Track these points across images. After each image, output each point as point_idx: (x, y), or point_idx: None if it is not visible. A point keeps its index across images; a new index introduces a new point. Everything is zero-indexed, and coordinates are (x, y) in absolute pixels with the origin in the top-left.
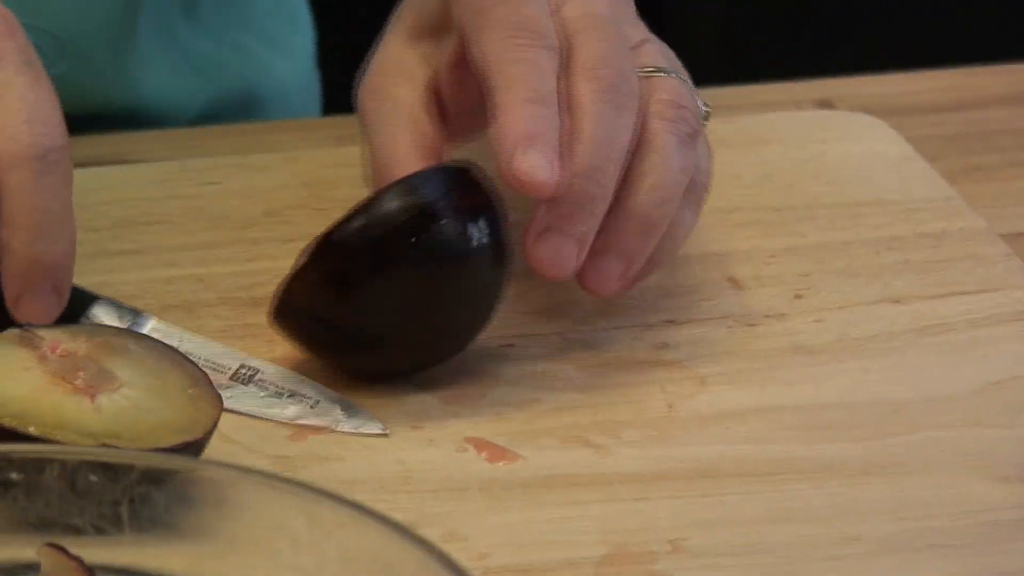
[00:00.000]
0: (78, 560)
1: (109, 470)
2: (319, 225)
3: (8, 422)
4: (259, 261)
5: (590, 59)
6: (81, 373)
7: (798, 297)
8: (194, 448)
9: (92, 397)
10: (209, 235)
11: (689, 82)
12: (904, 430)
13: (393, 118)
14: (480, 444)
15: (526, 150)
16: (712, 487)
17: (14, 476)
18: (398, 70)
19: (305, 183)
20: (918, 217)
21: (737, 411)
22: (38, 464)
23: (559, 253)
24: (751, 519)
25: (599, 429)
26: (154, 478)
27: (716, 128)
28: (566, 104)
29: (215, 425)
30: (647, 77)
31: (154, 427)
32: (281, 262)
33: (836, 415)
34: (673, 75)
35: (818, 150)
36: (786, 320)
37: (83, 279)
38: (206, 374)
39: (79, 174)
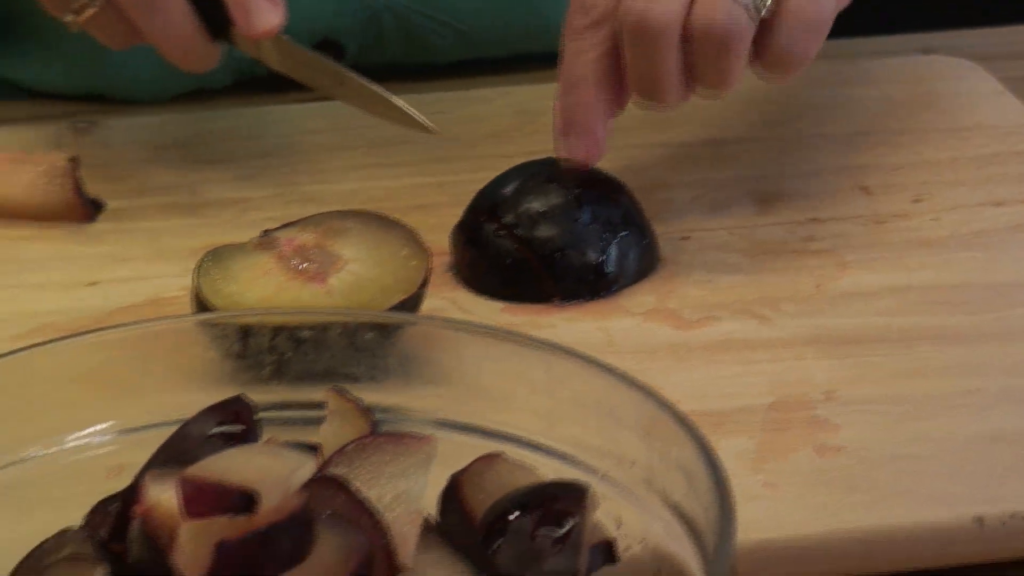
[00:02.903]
0: (356, 401)
1: (383, 329)
2: (532, 144)
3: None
4: (485, 172)
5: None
6: (314, 262)
7: (918, 201)
8: (411, 302)
9: (323, 281)
10: (443, 151)
11: None
12: (1009, 305)
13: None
14: (667, 315)
15: (567, 136)
16: (856, 350)
17: (305, 334)
18: None
19: (517, 112)
20: (1013, 139)
21: (873, 290)
22: (324, 325)
23: (572, 149)
24: (889, 375)
25: (762, 303)
26: (418, 335)
27: (842, 69)
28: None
29: (427, 277)
30: None
31: (375, 293)
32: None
33: (953, 294)
34: None
35: (928, 87)
36: (909, 219)
37: (344, 185)
38: (415, 232)
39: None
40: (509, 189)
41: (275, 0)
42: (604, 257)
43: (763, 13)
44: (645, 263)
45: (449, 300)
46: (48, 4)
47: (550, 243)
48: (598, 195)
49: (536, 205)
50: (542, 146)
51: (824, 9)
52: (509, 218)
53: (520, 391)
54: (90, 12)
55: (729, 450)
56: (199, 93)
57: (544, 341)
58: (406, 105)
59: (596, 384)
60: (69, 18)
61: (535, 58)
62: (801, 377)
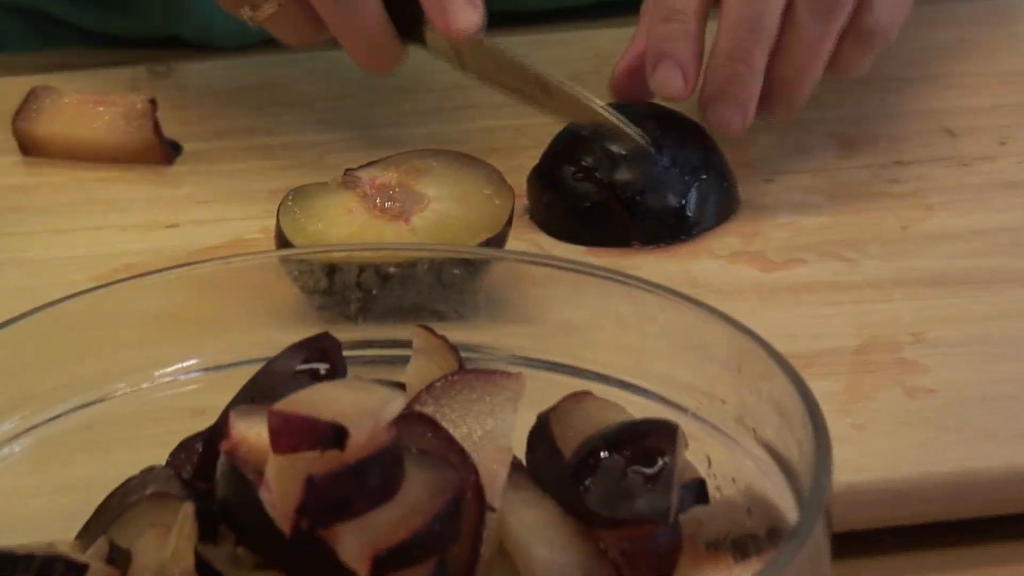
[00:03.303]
0: (443, 338)
1: (470, 265)
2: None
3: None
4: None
5: None
6: (396, 201)
7: (1003, 144)
8: (497, 240)
9: (407, 220)
10: None
11: None
12: None
13: None
14: (752, 257)
15: (657, 65)
16: (944, 292)
17: (392, 270)
18: None
19: (597, 55)
20: None
21: (959, 232)
22: (411, 260)
23: (724, 117)
24: (977, 317)
25: (847, 245)
26: (504, 271)
27: (923, 11)
28: None
29: (511, 216)
30: None
31: (460, 231)
32: None
33: None
34: None
35: (1010, 29)
36: (994, 161)
37: (421, 128)
38: (498, 170)
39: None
40: (588, 131)
41: None
42: (684, 201)
43: None
44: (725, 207)
45: (530, 242)
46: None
47: (630, 186)
48: (678, 138)
49: (616, 148)
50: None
51: None
52: (588, 161)
53: (608, 327)
54: (270, 9)
55: (816, 392)
56: (275, 41)
57: (632, 277)
58: (615, 114)
59: (685, 319)
60: (246, 14)
61: (618, 5)
62: (888, 319)
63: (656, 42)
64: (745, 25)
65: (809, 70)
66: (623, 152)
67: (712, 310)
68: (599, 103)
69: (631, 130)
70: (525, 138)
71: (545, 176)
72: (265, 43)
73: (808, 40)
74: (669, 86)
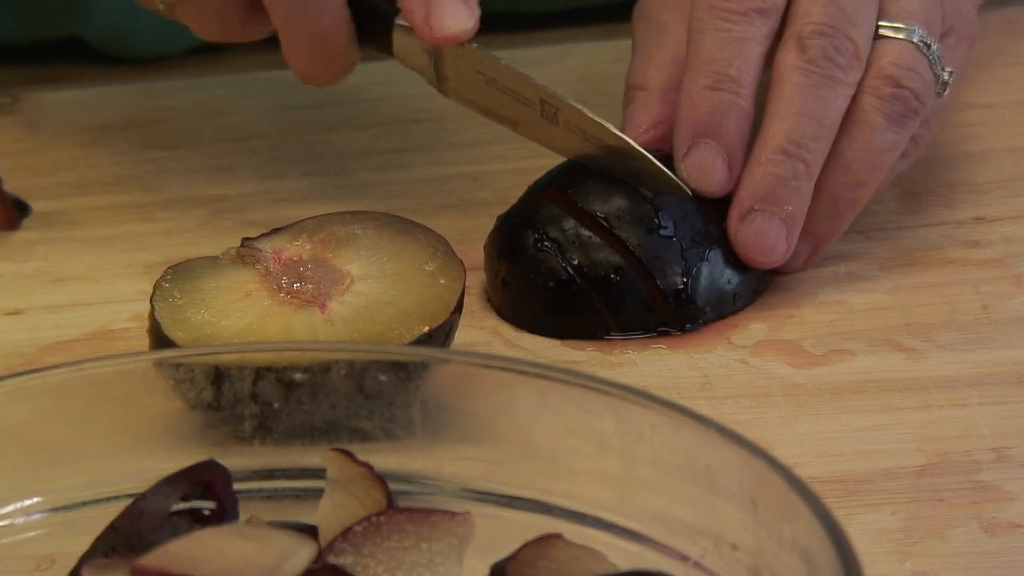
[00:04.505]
0: (367, 466)
1: (403, 369)
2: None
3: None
4: (535, 159)
5: (805, 23)
6: (309, 281)
7: None
8: (441, 333)
9: (323, 307)
10: (482, 132)
11: (932, 44)
12: None
13: (654, 43)
14: (783, 348)
15: (696, 146)
16: None
17: (298, 377)
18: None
19: (582, 77)
20: None
21: None
22: (324, 364)
23: (765, 235)
24: None
25: (910, 332)
26: (449, 376)
27: (1014, 17)
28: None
29: (461, 299)
30: (881, 36)
31: (393, 321)
32: (559, 159)
33: None
34: (912, 34)
35: None
36: None
37: (349, 177)
38: (444, 239)
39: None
40: (563, 187)
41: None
42: (688, 280)
43: (946, 91)
44: (749, 287)
45: (491, 331)
46: None
47: (606, 265)
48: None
49: (598, 209)
50: (612, 122)
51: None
52: (554, 230)
53: (585, 450)
54: None
55: (867, 527)
56: (213, 50)
57: (615, 384)
58: (646, 154)
59: (685, 440)
60: (160, 3)
61: (603, 12)
62: (962, 430)
63: (696, 114)
64: (808, 115)
65: (866, 185)
66: (606, 215)
67: (720, 427)
68: (631, 141)
69: (667, 176)
70: (485, 190)
71: (504, 243)
72: (191, 53)
73: (875, 147)
74: (709, 175)
